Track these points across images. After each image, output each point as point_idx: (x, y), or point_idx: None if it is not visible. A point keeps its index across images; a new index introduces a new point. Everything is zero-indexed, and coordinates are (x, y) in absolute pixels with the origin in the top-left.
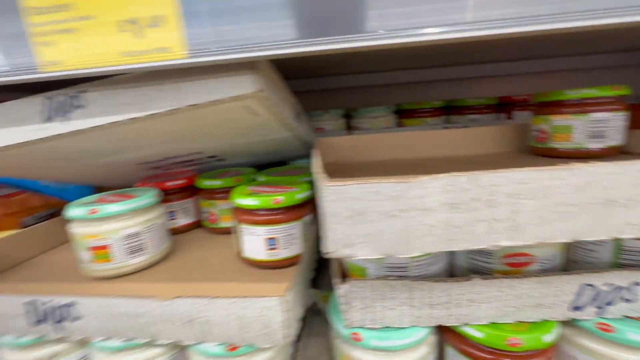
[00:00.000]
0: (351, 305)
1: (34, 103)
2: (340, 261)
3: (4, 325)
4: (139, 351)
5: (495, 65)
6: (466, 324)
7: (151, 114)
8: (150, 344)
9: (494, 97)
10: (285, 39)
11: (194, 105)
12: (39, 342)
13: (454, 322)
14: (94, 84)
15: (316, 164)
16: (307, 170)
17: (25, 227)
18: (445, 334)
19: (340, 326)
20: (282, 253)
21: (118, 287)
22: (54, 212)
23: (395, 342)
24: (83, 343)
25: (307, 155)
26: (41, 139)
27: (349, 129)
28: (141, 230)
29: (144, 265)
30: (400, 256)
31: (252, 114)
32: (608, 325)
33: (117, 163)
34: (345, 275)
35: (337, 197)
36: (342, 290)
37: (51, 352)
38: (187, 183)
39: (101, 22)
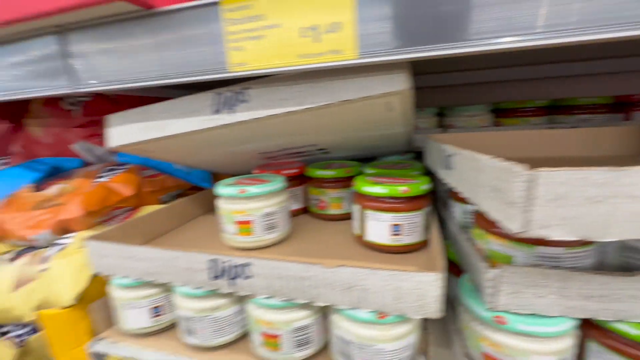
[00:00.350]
0: (498, 290)
1: (205, 98)
2: (477, 247)
3: (187, 278)
4: (290, 311)
5: (609, 61)
6: (622, 321)
7: (306, 108)
8: (301, 306)
9: (608, 97)
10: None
11: (346, 100)
12: (208, 294)
13: (609, 316)
14: (257, 82)
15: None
16: (411, 165)
17: (162, 203)
18: (589, 329)
19: (480, 309)
20: (405, 239)
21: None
22: (182, 192)
23: (543, 328)
24: (242, 299)
25: (398, 152)
26: (209, 128)
27: (441, 127)
28: (276, 210)
29: (275, 241)
30: (596, 240)
31: (389, 109)
32: None
33: (245, 152)
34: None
35: (543, 182)
36: (490, 274)
37: (215, 305)
38: (298, 172)
39: (285, 30)
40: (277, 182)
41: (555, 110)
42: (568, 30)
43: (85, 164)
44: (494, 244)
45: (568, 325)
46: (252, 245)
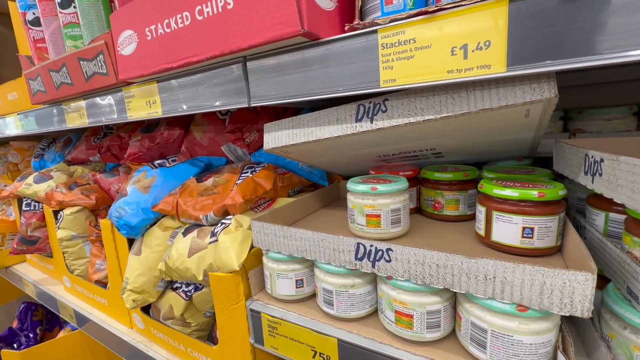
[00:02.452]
0: None
1: (349, 108)
2: (631, 255)
3: (334, 256)
4: (424, 295)
5: None
6: None
7: (444, 117)
8: (434, 291)
9: None
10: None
11: (486, 109)
12: (348, 273)
13: None
14: (396, 94)
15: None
16: (534, 170)
17: (290, 197)
18: None
19: (634, 317)
20: (536, 243)
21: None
22: (302, 188)
23: None
24: (374, 280)
25: (513, 158)
26: (351, 134)
27: (566, 131)
28: (401, 206)
29: (399, 235)
30: None
31: (525, 116)
32: None
33: (367, 155)
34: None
35: None
36: None
37: (353, 282)
38: (413, 174)
39: (435, 50)
40: (402, 182)
41: None
42: None
43: (228, 161)
44: None
45: None
46: (379, 237)
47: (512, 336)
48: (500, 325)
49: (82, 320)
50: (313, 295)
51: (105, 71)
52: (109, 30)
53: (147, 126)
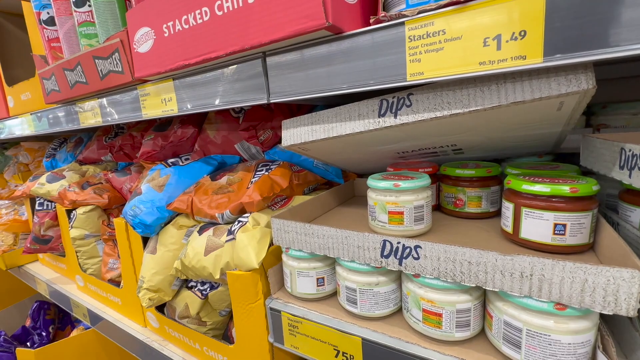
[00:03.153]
0: None
1: (372, 103)
2: None
3: (358, 254)
4: (454, 293)
5: None
6: None
7: (472, 110)
8: (464, 290)
9: None
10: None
11: (518, 102)
12: (372, 271)
13: None
14: (421, 88)
15: None
16: (560, 166)
17: (305, 194)
18: None
19: None
20: (569, 240)
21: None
22: (317, 186)
23: None
24: (399, 278)
25: (534, 154)
26: (373, 129)
27: (589, 126)
28: (424, 203)
29: (422, 232)
30: None
31: (557, 109)
32: None
33: (385, 151)
34: None
35: None
36: None
37: (377, 280)
38: (432, 171)
39: (466, 41)
40: (424, 179)
41: None
42: None
43: (241, 160)
44: None
45: None
46: (402, 234)
47: (549, 335)
48: (536, 324)
49: (95, 319)
50: (334, 294)
51: (120, 69)
52: (125, 28)
53: (160, 124)
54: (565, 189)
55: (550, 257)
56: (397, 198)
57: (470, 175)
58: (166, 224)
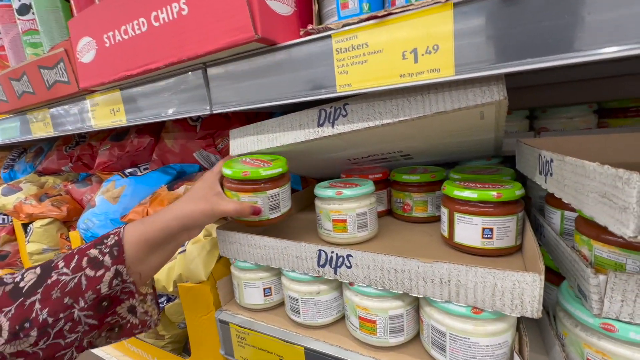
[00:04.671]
0: (607, 297)
1: (312, 113)
2: (580, 254)
3: (297, 264)
4: (386, 300)
5: None
6: None
7: (401, 120)
8: (396, 296)
9: None
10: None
11: (441, 112)
12: (313, 280)
13: None
14: (355, 99)
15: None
16: (499, 170)
17: None
18: None
19: (585, 316)
20: (496, 243)
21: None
22: None
23: None
24: (340, 286)
25: (482, 157)
26: (313, 139)
27: (532, 130)
28: (367, 210)
29: (366, 239)
30: None
31: (480, 117)
32: None
33: (336, 158)
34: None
35: None
36: (596, 280)
37: (318, 289)
38: (382, 177)
39: (387, 54)
40: (367, 186)
41: None
42: None
43: (201, 168)
44: (602, 251)
45: None
46: (347, 242)
47: (469, 338)
48: (457, 328)
49: None
50: (283, 304)
51: (66, 79)
52: (69, 38)
53: (117, 134)
54: (492, 194)
55: (472, 262)
56: (340, 206)
57: (415, 181)
58: None
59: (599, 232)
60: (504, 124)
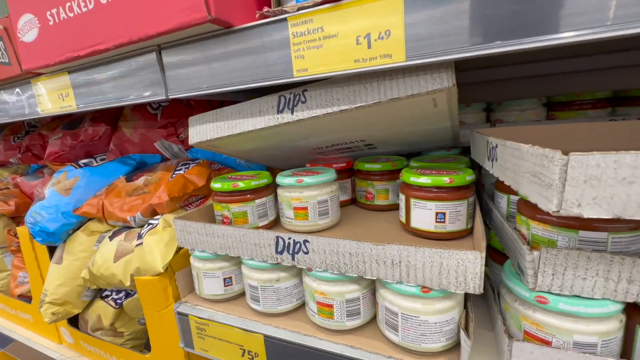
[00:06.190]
0: (540, 271)
1: (271, 99)
2: (520, 233)
3: (255, 251)
4: (342, 284)
5: None
6: None
7: (358, 106)
8: (352, 280)
9: None
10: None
11: (395, 98)
12: (272, 267)
13: None
14: (314, 85)
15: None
16: (456, 159)
17: None
18: (637, 315)
19: (521, 290)
20: (449, 227)
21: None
22: None
23: (584, 309)
24: (300, 273)
25: (444, 147)
26: (273, 125)
27: (489, 122)
28: (328, 198)
29: (327, 226)
30: (631, 217)
31: (434, 105)
32: None
33: (300, 147)
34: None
35: (576, 165)
36: (530, 256)
37: (277, 277)
38: (346, 166)
39: (342, 39)
40: (329, 174)
41: (620, 102)
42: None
43: (163, 159)
44: (538, 229)
45: (612, 308)
46: (308, 229)
47: (418, 317)
48: (408, 307)
49: (4, 341)
50: (244, 294)
51: (7, 60)
52: (9, 14)
53: (70, 122)
54: (444, 179)
55: (420, 244)
56: (300, 194)
57: (377, 169)
58: (75, 230)
59: (535, 212)
60: (457, 113)
